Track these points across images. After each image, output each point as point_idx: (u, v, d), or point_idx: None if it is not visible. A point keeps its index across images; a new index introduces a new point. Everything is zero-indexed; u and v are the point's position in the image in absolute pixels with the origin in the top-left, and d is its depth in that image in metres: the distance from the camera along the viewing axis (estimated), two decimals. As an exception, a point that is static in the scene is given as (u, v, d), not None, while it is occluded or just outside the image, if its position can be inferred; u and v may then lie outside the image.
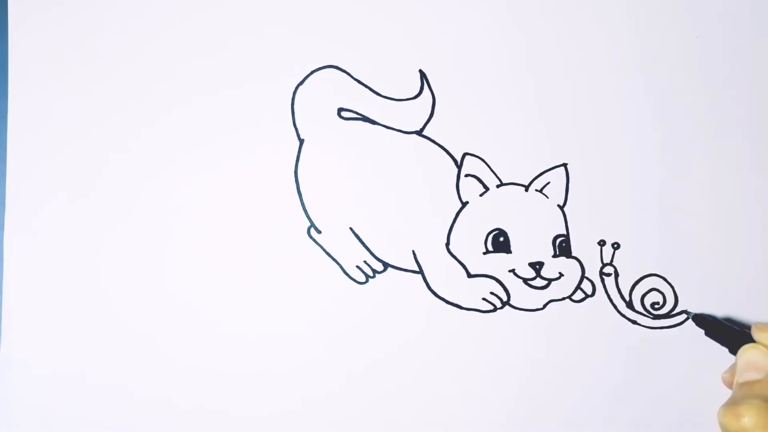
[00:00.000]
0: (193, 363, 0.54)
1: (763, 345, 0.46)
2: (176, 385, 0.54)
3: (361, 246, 0.53)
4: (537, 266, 0.53)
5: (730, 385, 0.49)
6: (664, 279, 0.53)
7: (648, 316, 0.53)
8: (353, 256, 0.53)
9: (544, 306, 0.53)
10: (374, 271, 0.53)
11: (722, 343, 0.50)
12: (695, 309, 0.53)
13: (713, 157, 0.53)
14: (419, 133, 0.53)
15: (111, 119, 0.54)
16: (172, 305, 0.54)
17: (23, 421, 0.54)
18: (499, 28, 0.54)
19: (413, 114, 0.53)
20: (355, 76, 0.54)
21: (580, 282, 0.53)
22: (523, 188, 0.53)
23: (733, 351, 0.48)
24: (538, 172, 0.53)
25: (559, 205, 0.53)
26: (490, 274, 0.53)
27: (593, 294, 0.53)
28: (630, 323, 0.53)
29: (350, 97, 0.53)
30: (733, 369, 0.48)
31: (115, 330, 0.54)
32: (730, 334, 0.49)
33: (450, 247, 0.53)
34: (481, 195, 0.53)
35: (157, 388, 0.54)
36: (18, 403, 0.54)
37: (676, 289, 0.53)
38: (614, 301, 0.53)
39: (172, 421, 0.54)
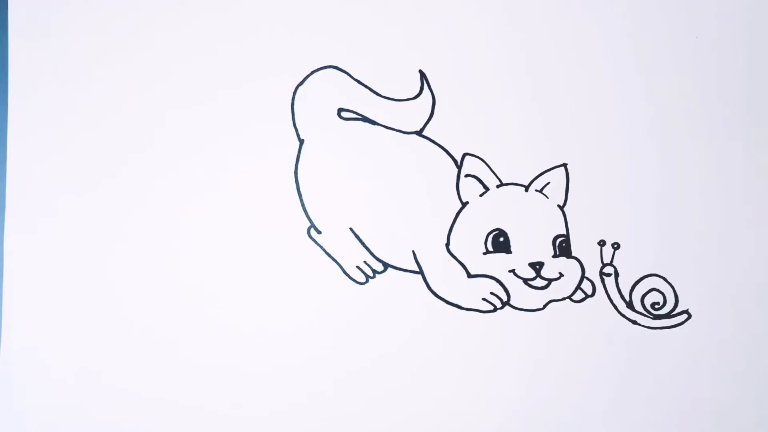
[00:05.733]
0: (193, 361, 0.54)
1: None
2: (177, 383, 0.53)
3: (361, 246, 0.53)
4: (537, 266, 0.52)
5: None
6: (664, 279, 0.53)
7: (648, 316, 0.53)
8: (353, 257, 0.53)
9: (544, 306, 0.53)
10: (374, 272, 0.53)
11: None
12: (695, 309, 0.53)
13: (713, 157, 0.53)
14: (419, 133, 0.53)
15: (111, 120, 0.54)
16: (172, 304, 0.54)
17: (24, 421, 0.54)
18: (498, 28, 0.54)
19: (413, 114, 0.53)
20: (355, 77, 0.53)
21: (580, 282, 0.53)
22: (523, 188, 0.53)
23: None
24: (538, 173, 0.53)
25: (559, 205, 0.53)
26: (490, 274, 0.53)
27: (593, 294, 0.53)
28: (630, 323, 0.53)
29: (350, 98, 0.53)
30: None
31: (116, 329, 0.54)
32: None
33: (450, 247, 0.53)
34: (481, 195, 0.53)
35: (157, 386, 0.54)
36: (19, 403, 0.54)
37: (676, 289, 0.53)
38: (614, 301, 0.53)
39: (172, 418, 0.54)
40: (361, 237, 0.53)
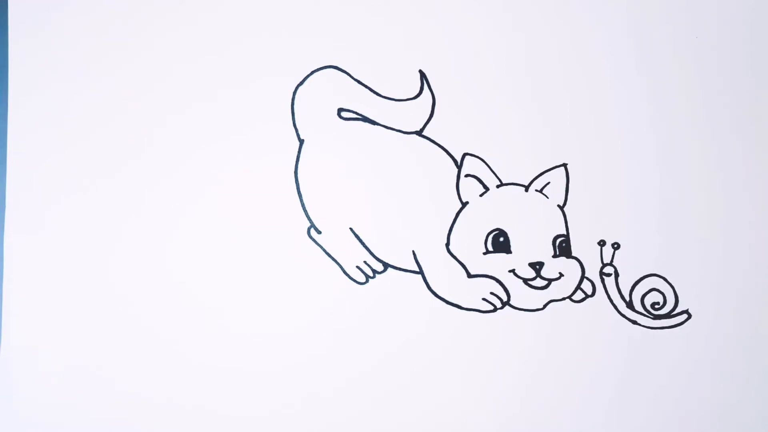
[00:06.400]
0: (193, 362, 0.53)
1: None
2: (176, 383, 0.53)
3: (361, 246, 0.53)
4: (537, 266, 0.52)
5: None
6: (665, 279, 0.53)
7: (648, 316, 0.53)
8: (353, 257, 0.53)
9: (544, 306, 0.53)
10: (374, 272, 0.53)
11: None
12: (695, 309, 0.53)
13: (713, 157, 0.53)
14: (419, 133, 0.53)
15: (111, 120, 0.54)
16: (172, 304, 0.53)
17: (24, 420, 0.53)
18: (499, 28, 0.53)
19: (413, 114, 0.53)
20: (355, 77, 0.53)
21: (580, 282, 0.53)
22: (523, 188, 0.53)
23: None
24: (538, 173, 0.53)
25: (559, 205, 0.53)
26: (490, 274, 0.52)
27: (593, 294, 0.53)
28: (630, 323, 0.53)
29: (350, 98, 0.53)
30: None
31: (115, 329, 0.53)
32: None
33: (450, 247, 0.53)
34: (481, 195, 0.53)
35: (157, 386, 0.53)
36: (18, 403, 0.53)
37: (676, 289, 0.53)
38: (614, 302, 0.53)
39: (172, 418, 0.53)
40: (361, 237, 0.53)
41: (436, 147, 0.53)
